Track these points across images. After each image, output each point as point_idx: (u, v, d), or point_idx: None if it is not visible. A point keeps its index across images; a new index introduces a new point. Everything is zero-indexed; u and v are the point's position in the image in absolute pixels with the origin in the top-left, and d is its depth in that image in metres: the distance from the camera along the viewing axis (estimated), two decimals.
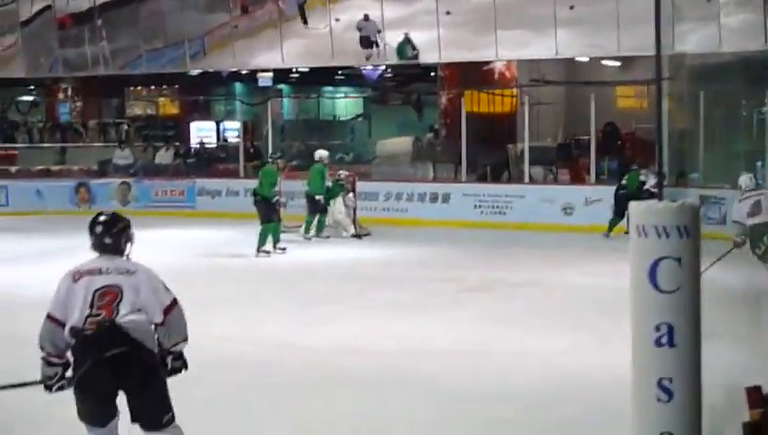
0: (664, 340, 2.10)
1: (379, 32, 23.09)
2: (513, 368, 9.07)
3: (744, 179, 13.02)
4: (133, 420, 5.46)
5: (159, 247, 17.77)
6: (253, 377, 8.74)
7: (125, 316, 5.39)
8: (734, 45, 19.23)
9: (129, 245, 5.73)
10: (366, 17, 23.14)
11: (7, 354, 8.98)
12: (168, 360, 5.65)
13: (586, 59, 25.41)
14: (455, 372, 8.88)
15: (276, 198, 17.10)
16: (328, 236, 18.89)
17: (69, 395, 5.53)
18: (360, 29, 23.31)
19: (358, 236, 19.11)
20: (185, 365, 5.74)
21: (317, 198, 18.71)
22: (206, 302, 12.48)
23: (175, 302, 5.62)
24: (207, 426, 7.24)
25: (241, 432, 7.18)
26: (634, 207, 2.15)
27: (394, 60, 24.13)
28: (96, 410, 5.49)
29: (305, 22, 23.93)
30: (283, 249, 16.61)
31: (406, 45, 23.01)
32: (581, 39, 21.87)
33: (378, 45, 23.33)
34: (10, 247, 17.44)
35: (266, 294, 13.13)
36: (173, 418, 5.53)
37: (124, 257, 5.68)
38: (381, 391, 8.22)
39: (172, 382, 7.81)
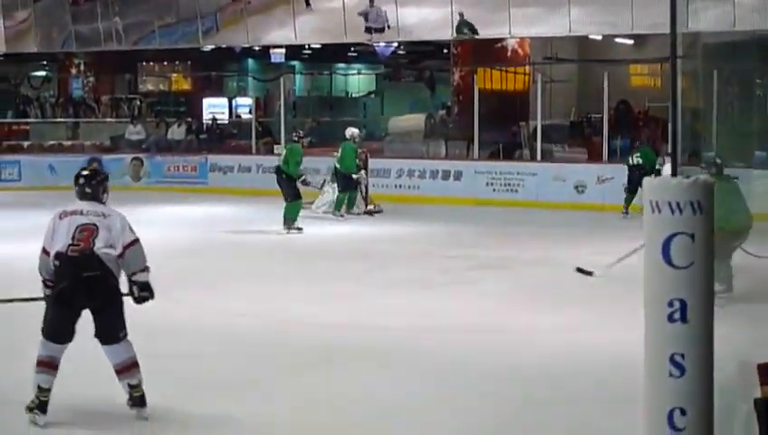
0: (677, 315, 2.11)
1: (386, 16, 23.03)
2: (523, 345, 9.09)
3: None
4: (96, 335, 6.63)
5: (171, 223, 17.88)
6: (262, 352, 8.78)
7: (100, 248, 6.56)
8: (748, 24, 19.14)
9: (105, 195, 6.94)
10: (371, 2, 23.06)
11: (6, 326, 9.10)
12: (135, 290, 6.73)
13: (599, 37, 25.30)
14: (465, 349, 8.90)
15: (303, 176, 17.14)
16: (359, 213, 18.90)
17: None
18: (365, 17, 23.24)
19: (370, 212, 19.11)
20: (151, 294, 6.79)
21: (353, 175, 18.69)
22: (218, 278, 12.55)
23: (136, 240, 6.70)
24: (221, 399, 7.29)
25: (250, 405, 7.22)
26: (648, 182, 2.15)
27: (407, 37, 24.07)
28: (61, 326, 6.61)
29: (308, 4, 23.89)
30: (300, 229, 16.59)
31: (463, 26, 22.81)
32: (595, 17, 21.78)
33: (385, 30, 23.30)
34: (21, 222, 17.49)
35: (278, 271, 13.16)
36: (126, 334, 6.70)
37: (102, 204, 6.85)
38: (392, 368, 8.25)
39: (189, 355, 7.90)
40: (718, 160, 11.92)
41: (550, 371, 8.11)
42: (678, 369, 2.10)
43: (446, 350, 8.87)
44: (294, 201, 16.70)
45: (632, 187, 18.18)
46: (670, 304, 2.10)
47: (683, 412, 2.11)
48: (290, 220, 16.49)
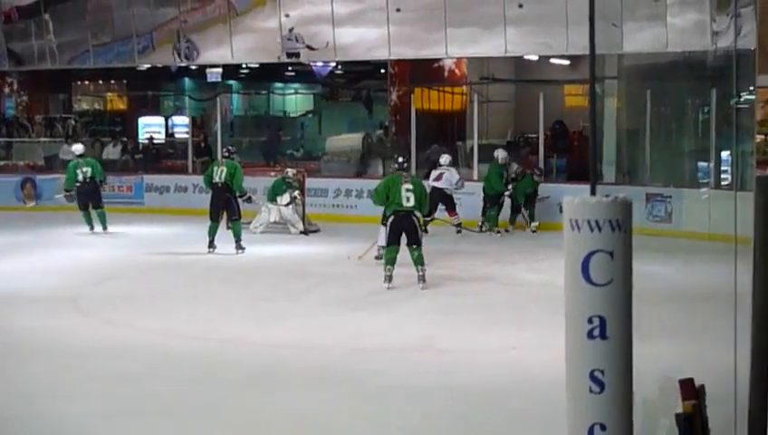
0: (596, 332, 2.14)
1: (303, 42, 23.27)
2: (458, 364, 9.13)
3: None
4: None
5: (107, 244, 17.72)
6: (201, 373, 8.74)
7: None
8: (680, 45, 19.44)
9: None
10: (289, 30, 23.20)
11: None
12: None
13: (535, 57, 25.55)
14: (403, 368, 8.94)
15: (248, 194, 17.09)
16: (296, 233, 19.09)
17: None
18: (286, 44, 23.40)
19: (306, 232, 19.09)
20: None
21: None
22: (154, 298, 12.47)
23: None
24: (159, 422, 7.23)
25: (188, 427, 7.17)
26: (568, 202, 2.19)
27: (344, 56, 24.13)
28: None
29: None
30: (244, 248, 16.51)
31: None
32: (530, 37, 21.97)
33: (304, 53, 23.54)
34: None
35: (215, 291, 13.11)
36: None
37: None
38: (331, 388, 8.25)
39: (123, 376, 7.82)
40: (401, 159, 14.20)
41: (488, 389, 8.16)
42: (598, 385, 2.13)
43: (386, 369, 8.89)
44: (239, 220, 16.66)
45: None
46: (590, 321, 2.13)
47: (603, 428, 2.14)
48: (238, 239, 16.43)
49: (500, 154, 19.96)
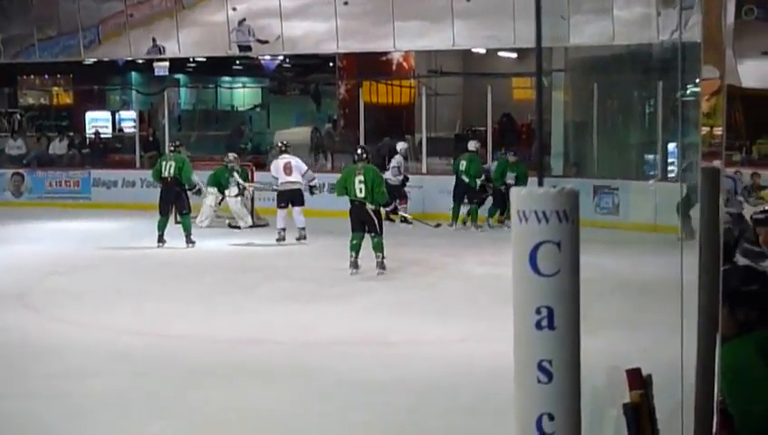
0: (544, 323, 2.14)
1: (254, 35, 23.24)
2: (411, 356, 9.16)
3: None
4: None
5: (54, 239, 17.54)
6: (152, 368, 8.69)
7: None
8: (626, 38, 19.60)
9: None
10: (240, 22, 23.16)
11: None
12: None
13: (483, 50, 25.67)
14: (353, 361, 8.94)
15: (198, 186, 17.05)
16: (245, 227, 18.92)
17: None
18: (238, 37, 23.35)
19: (255, 226, 19.02)
20: None
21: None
22: (101, 294, 12.35)
23: None
24: (108, 418, 7.17)
25: (141, 423, 7.12)
26: (516, 192, 2.19)
27: (292, 49, 24.08)
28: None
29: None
30: (194, 242, 16.45)
31: None
32: (478, 30, 22.08)
33: (255, 46, 23.48)
34: None
35: (165, 286, 13.03)
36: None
37: None
38: (278, 382, 8.24)
39: (69, 373, 7.75)
40: (359, 151, 14.61)
41: (437, 381, 8.19)
42: (546, 375, 2.14)
43: (333, 363, 8.89)
44: (189, 214, 16.60)
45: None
46: (538, 312, 2.13)
47: (551, 417, 2.14)
48: (188, 233, 16.36)
49: (471, 144, 19.88)
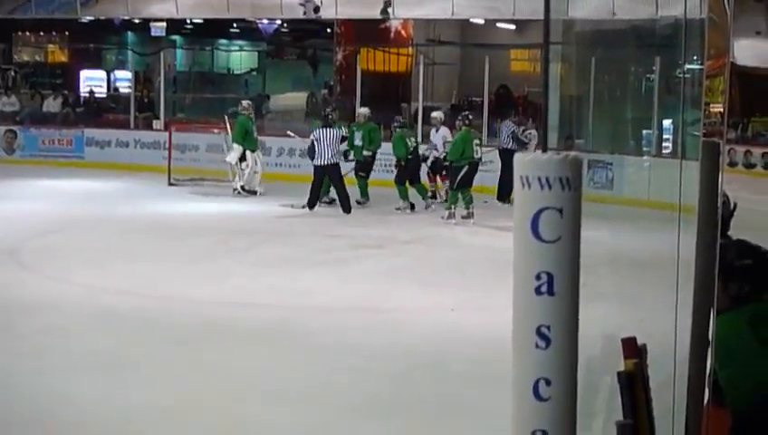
0: (544, 288, 2.15)
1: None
2: (403, 324, 9.18)
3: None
4: None
5: (46, 198, 17.49)
6: (141, 329, 8.69)
7: None
8: (627, 13, 19.53)
9: None
10: None
11: None
12: None
13: (481, 21, 25.58)
14: (345, 328, 8.97)
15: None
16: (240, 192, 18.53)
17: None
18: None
19: (244, 191, 18.58)
20: None
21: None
22: (94, 254, 12.35)
23: None
24: (90, 377, 7.18)
25: (125, 381, 7.13)
26: (519, 158, 2.19)
27: (290, 14, 24.00)
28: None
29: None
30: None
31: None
32: (477, 1, 22.01)
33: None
34: None
35: (156, 248, 13.02)
36: None
37: None
38: (273, 346, 8.27)
39: (61, 331, 7.73)
40: (468, 115, 16.66)
41: (427, 349, 8.23)
42: (544, 340, 2.15)
43: (325, 329, 8.92)
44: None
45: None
46: (538, 277, 2.14)
47: (548, 383, 2.15)
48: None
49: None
